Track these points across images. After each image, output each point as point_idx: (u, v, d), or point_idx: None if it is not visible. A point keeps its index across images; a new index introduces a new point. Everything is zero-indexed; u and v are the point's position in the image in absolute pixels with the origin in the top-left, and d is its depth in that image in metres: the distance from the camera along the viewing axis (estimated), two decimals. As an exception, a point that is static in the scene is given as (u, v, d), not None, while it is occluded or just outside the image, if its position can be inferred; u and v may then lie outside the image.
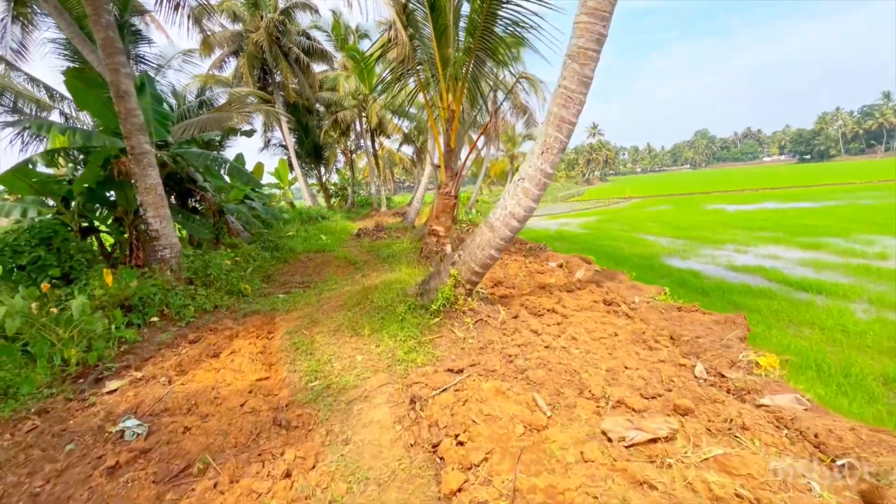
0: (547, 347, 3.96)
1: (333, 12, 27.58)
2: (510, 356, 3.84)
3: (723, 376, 3.26)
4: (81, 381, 4.52)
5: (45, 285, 5.91)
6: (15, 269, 6.20)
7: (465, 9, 7.31)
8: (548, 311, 5.00)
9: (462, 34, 7.64)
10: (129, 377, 4.47)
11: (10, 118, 11.29)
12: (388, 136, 28.32)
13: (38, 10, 11.43)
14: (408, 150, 36.57)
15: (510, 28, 6.62)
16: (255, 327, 5.68)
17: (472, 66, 7.16)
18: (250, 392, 3.91)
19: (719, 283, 10.95)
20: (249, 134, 10.26)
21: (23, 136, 10.77)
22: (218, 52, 21.61)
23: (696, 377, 3.32)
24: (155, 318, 6.07)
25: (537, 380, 3.38)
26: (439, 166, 8.00)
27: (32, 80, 12.85)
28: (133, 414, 3.73)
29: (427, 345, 4.36)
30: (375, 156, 26.75)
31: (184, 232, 10.25)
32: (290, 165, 24.65)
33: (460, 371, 3.69)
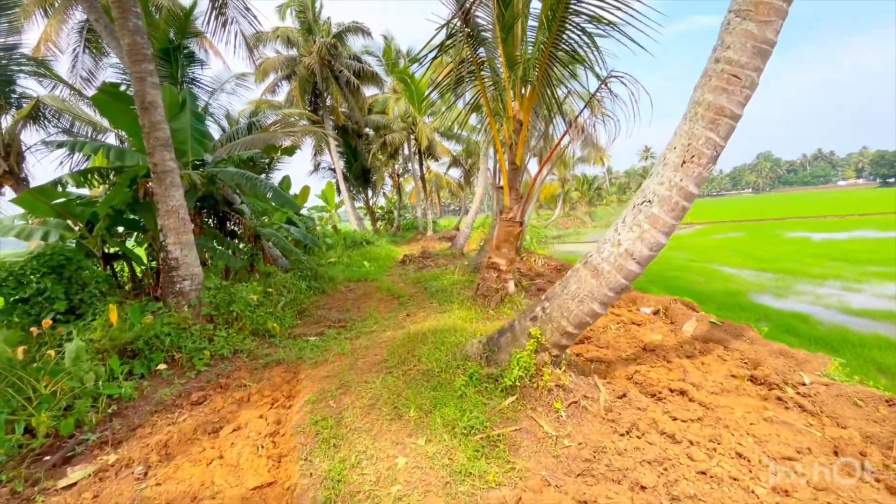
0: (704, 474, 2.43)
1: (385, 37, 27.71)
2: (645, 489, 2.34)
3: None
4: (48, 458, 3.47)
5: (45, 322, 5.07)
6: (19, 303, 5.45)
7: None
8: (672, 392, 3.44)
9: (531, 33, 6.45)
10: (100, 460, 3.36)
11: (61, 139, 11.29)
12: (437, 160, 27.63)
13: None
14: (454, 173, 35.90)
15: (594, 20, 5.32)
16: (272, 387, 4.50)
17: (545, 66, 5.89)
18: (242, 512, 2.65)
19: (842, 333, 8.69)
20: (291, 152, 9.56)
21: (73, 157, 10.64)
22: (272, 77, 21.91)
23: None
24: (162, 366, 5.07)
25: (718, 562, 1.86)
26: (501, 187, 6.69)
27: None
28: (76, 538, 2.57)
29: (501, 444, 2.94)
30: (423, 179, 26.02)
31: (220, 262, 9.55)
32: (338, 188, 24.39)
33: (565, 515, 2.23)
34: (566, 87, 6.34)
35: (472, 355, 3.92)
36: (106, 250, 7.15)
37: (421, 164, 25.64)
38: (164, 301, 5.94)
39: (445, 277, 9.22)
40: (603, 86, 5.81)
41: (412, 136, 23.99)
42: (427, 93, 6.97)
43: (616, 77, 5.56)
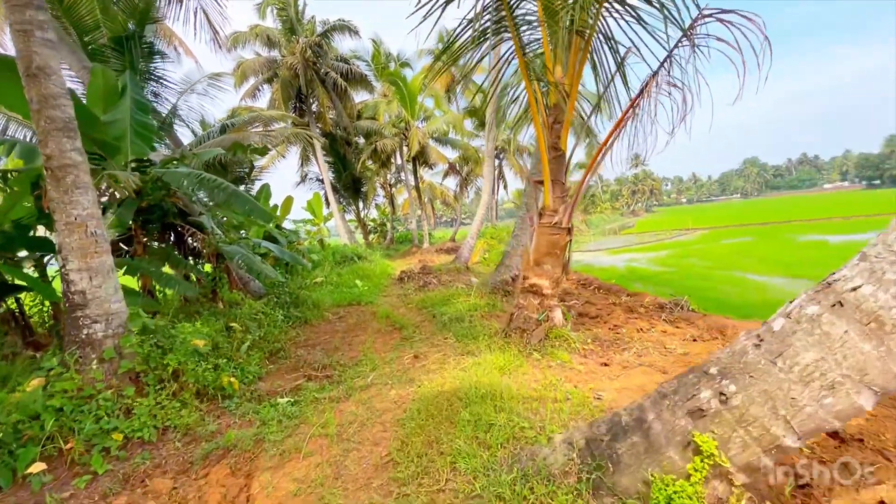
0: None
1: (374, 41, 26.30)
2: None
3: None
4: None
5: None
6: None
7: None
8: None
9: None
10: None
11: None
12: (431, 167, 25.97)
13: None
14: (448, 183, 34.27)
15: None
16: (201, 518, 2.65)
17: (601, 9, 4.23)
18: None
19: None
20: (263, 152, 7.81)
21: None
22: (252, 81, 20.18)
23: None
24: (38, 466, 3.19)
25: None
26: (540, 182, 4.96)
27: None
28: None
29: None
30: (417, 188, 24.31)
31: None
32: (326, 200, 22.57)
33: None
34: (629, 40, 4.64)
35: (558, 470, 2.11)
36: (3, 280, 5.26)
37: (415, 172, 23.96)
38: (63, 355, 4.06)
39: (458, 301, 7.41)
40: (686, 36, 4.14)
41: (405, 143, 22.35)
42: (441, 53, 4.99)
43: (712, 15, 3.91)
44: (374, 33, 32.71)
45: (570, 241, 4.88)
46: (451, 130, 23.65)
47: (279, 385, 4.94)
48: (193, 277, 7.81)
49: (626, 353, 4.43)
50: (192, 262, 8.20)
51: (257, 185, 17.10)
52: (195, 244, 8.24)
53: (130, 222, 6.31)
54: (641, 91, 4.22)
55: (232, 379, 4.67)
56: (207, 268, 8.38)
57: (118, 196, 6.55)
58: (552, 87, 4.61)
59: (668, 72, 4.34)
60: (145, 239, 6.61)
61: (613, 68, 4.75)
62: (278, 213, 13.74)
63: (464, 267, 13.06)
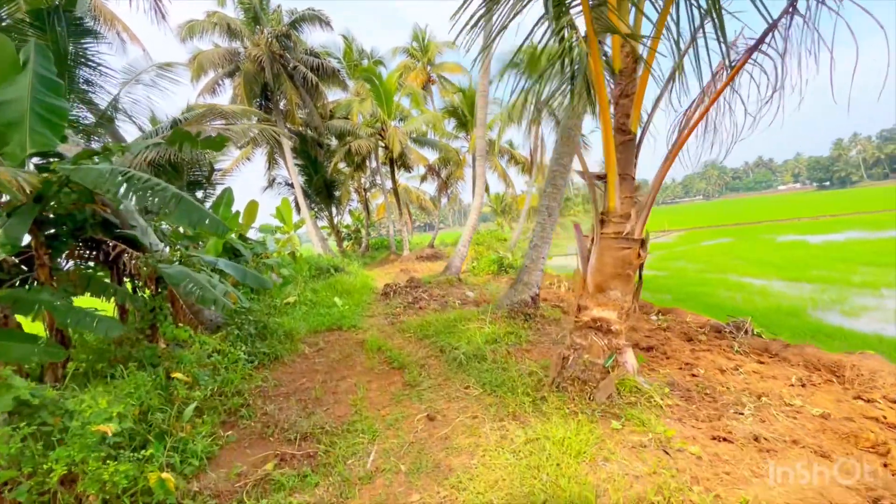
0: None
1: (345, 37, 24.76)
2: None
3: None
4: None
5: None
6: None
7: None
8: None
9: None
10: None
11: None
12: (410, 169, 24.52)
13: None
14: (425, 188, 32.81)
15: None
16: None
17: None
18: None
19: None
20: (218, 146, 6.21)
21: None
22: (211, 74, 18.19)
23: None
24: None
25: None
26: (601, 177, 3.64)
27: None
28: None
29: None
30: (395, 191, 22.79)
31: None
32: (296, 206, 20.71)
33: None
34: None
35: None
36: None
37: (393, 175, 22.44)
38: None
39: (468, 327, 5.99)
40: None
41: (382, 143, 20.82)
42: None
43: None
44: (345, 28, 31.14)
45: (645, 259, 3.58)
46: (429, 131, 22.32)
47: (238, 470, 3.41)
48: (131, 309, 6.09)
49: (741, 417, 3.15)
50: (130, 287, 6.48)
51: (220, 191, 15.14)
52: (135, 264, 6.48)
53: (28, 238, 4.61)
54: (759, 41, 2.96)
55: (165, 474, 3.10)
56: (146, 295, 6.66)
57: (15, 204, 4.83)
58: (625, 40, 3.31)
59: (789, 24, 3.11)
60: (51, 261, 4.89)
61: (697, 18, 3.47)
62: (241, 220, 11.96)
63: (455, 278, 11.68)
